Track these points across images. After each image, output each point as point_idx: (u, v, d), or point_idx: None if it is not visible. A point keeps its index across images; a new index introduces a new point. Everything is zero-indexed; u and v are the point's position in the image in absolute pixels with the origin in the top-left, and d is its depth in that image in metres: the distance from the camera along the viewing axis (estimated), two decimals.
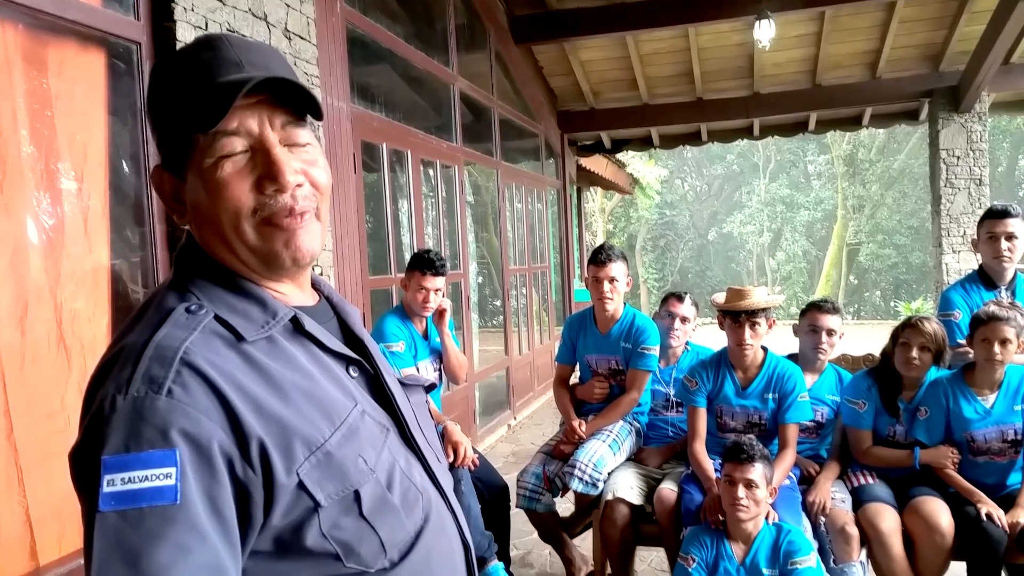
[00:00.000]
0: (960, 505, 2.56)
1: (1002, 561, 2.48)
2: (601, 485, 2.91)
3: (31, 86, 2.30)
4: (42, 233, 2.31)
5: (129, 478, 0.67)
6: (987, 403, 2.63)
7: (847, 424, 2.88)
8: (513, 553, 3.49)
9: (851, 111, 9.20)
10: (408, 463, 0.88)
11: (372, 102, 4.59)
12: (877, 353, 2.98)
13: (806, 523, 2.59)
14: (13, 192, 2.20)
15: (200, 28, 2.76)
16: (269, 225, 0.82)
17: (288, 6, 3.30)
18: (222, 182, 0.80)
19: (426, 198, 5.49)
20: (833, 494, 2.71)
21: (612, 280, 3.12)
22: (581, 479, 2.89)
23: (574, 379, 3.48)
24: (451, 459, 2.88)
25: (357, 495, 0.79)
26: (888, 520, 2.57)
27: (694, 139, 10.11)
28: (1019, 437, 2.61)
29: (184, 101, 0.80)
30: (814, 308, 3.00)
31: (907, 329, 2.75)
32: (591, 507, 3.03)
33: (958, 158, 7.93)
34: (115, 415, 0.69)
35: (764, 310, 2.80)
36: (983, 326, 2.59)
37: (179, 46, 2.59)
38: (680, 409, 3.19)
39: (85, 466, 0.69)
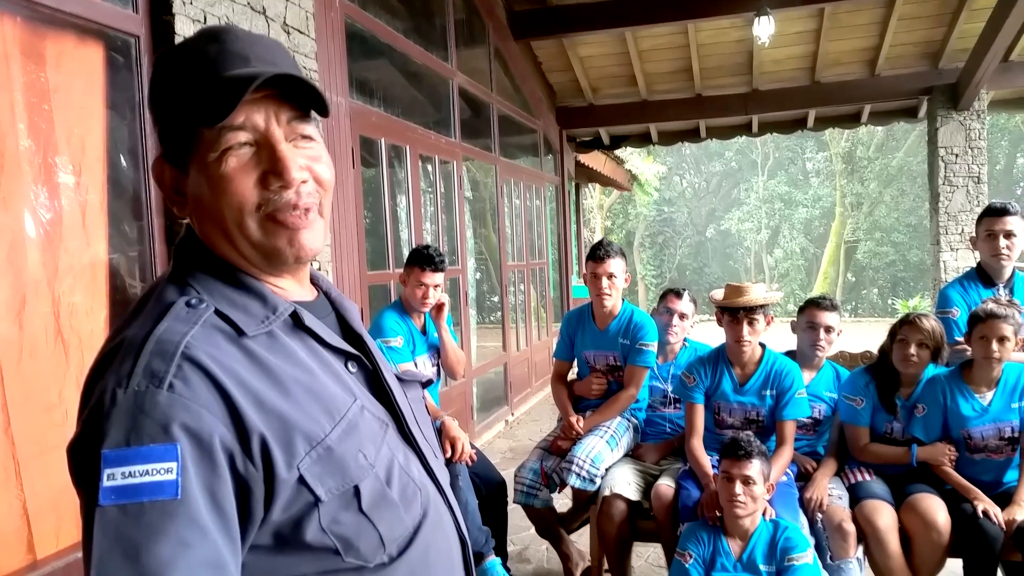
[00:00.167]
0: (957, 502, 2.56)
1: (998, 558, 2.49)
2: (598, 481, 2.91)
3: (29, 79, 2.29)
4: (40, 227, 2.30)
5: (129, 472, 0.66)
6: (984, 400, 2.64)
7: (844, 421, 2.88)
8: (510, 548, 3.49)
9: (850, 108, 9.18)
10: (406, 458, 0.88)
11: (371, 97, 4.58)
12: (875, 350, 2.99)
13: (803, 519, 2.60)
14: (11, 186, 2.20)
15: (199, 22, 2.75)
16: (273, 221, 0.81)
17: (287, 0, 3.29)
18: (226, 176, 0.79)
19: (424, 194, 5.48)
20: (830, 491, 2.72)
21: (610, 276, 3.12)
22: (578, 475, 2.89)
23: (572, 375, 3.48)
24: (448, 454, 2.88)
25: (357, 490, 0.79)
26: (885, 517, 2.58)
27: (693, 136, 10.09)
28: (1016, 434, 2.61)
29: (190, 94, 0.79)
30: (812, 305, 3.00)
31: (905, 326, 2.75)
32: (588, 503, 3.04)
33: (956, 156, 7.94)
34: (115, 409, 0.69)
35: (762, 307, 2.80)
36: (981, 323, 2.60)
37: (178, 40, 2.58)
38: (678, 405, 3.20)
39: (84, 460, 0.69)
